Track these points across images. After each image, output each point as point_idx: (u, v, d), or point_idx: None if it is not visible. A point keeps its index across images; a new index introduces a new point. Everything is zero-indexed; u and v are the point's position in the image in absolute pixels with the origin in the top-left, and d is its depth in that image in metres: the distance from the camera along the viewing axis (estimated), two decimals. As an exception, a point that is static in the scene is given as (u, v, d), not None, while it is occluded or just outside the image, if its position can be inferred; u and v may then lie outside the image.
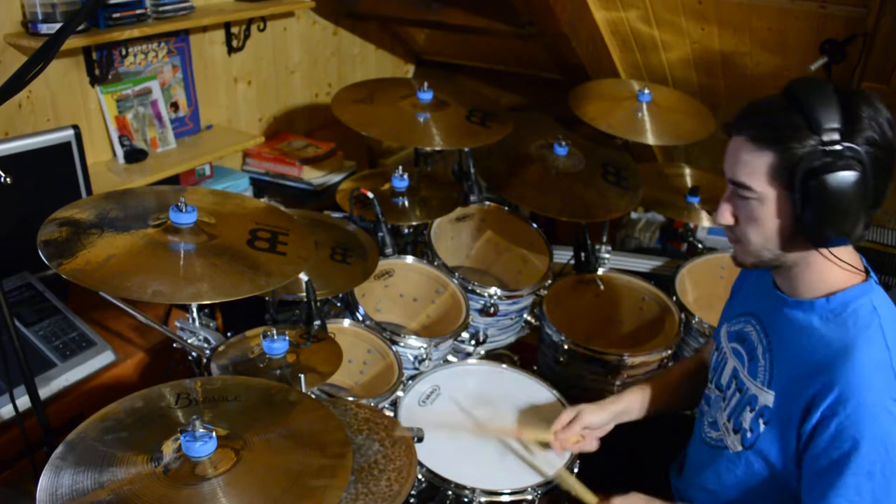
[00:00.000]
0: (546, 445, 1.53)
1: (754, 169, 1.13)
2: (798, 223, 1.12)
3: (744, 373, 1.29)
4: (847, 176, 1.06)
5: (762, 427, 1.22)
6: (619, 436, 1.54)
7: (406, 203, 2.15)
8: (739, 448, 1.27)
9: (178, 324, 1.68)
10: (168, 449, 1.11)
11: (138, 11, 2.21)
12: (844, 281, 1.17)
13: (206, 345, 1.62)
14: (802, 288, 1.20)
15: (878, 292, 1.17)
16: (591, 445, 1.51)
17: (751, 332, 1.30)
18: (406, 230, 2.24)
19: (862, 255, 1.22)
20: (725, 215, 1.20)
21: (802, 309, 1.19)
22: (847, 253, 1.17)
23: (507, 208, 2.37)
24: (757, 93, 1.15)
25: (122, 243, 1.34)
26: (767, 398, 1.22)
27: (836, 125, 1.06)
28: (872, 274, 1.20)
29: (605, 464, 1.54)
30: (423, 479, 1.50)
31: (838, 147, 1.06)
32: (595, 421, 1.51)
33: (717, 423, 1.36)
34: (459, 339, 1.98)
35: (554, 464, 1.51)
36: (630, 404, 1.53)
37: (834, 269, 1.17)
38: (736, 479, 1.29)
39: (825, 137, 1.07)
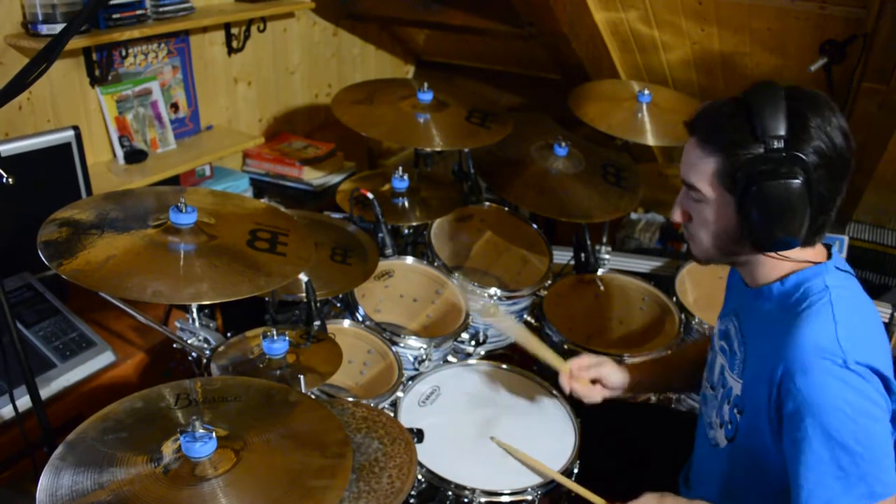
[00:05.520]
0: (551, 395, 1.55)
1: (701, 171, 1.16)
2: (741, 227, 1.14)
3: (727, 368, 1.30)
4: (788, 184, 1.07)
5: (738, 418, 1.23)
6: (622, 439, 1.53)
7: (406, 203, 2.15)
8: (725, 443, 1.27)
9: (177, 324, 1.68)
10: (168, 449, 1.11)
11: (138, 12, 2.21)
12: (799, 264, 1.19)
13: (206, 345, 1.62)
14: (759, 277, 1.23)
15: (835, 273, 1.17)
16: (595, 397, 1.52)
17: (731, 328, 1.32)
18: (406, 231, 2.24)
19: (861, 255, 1.23)
20: (677, 214, 1.26)
21: (763, 297, 1.22)
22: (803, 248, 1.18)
23: (507, 208, 2.37)
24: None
25: (122, 244, 1.34)
26: (738, 388, 1.23)
27: (781, 133, 1.08)
28: (835, 257, 1.21)
29: (608, 470, 1.54)
30: (423, 480, 1.50)
31: (782, 155, 1.08)
32: (612, 377, 1.53)
33: (712, 422, 1.36)
34: (459, 339, 1.98)
35: (555, 464, 1.51)
36: (642, 379, 1.55)
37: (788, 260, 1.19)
38: (728, 475, 1.28)
39: (770, 145, 1.08)
